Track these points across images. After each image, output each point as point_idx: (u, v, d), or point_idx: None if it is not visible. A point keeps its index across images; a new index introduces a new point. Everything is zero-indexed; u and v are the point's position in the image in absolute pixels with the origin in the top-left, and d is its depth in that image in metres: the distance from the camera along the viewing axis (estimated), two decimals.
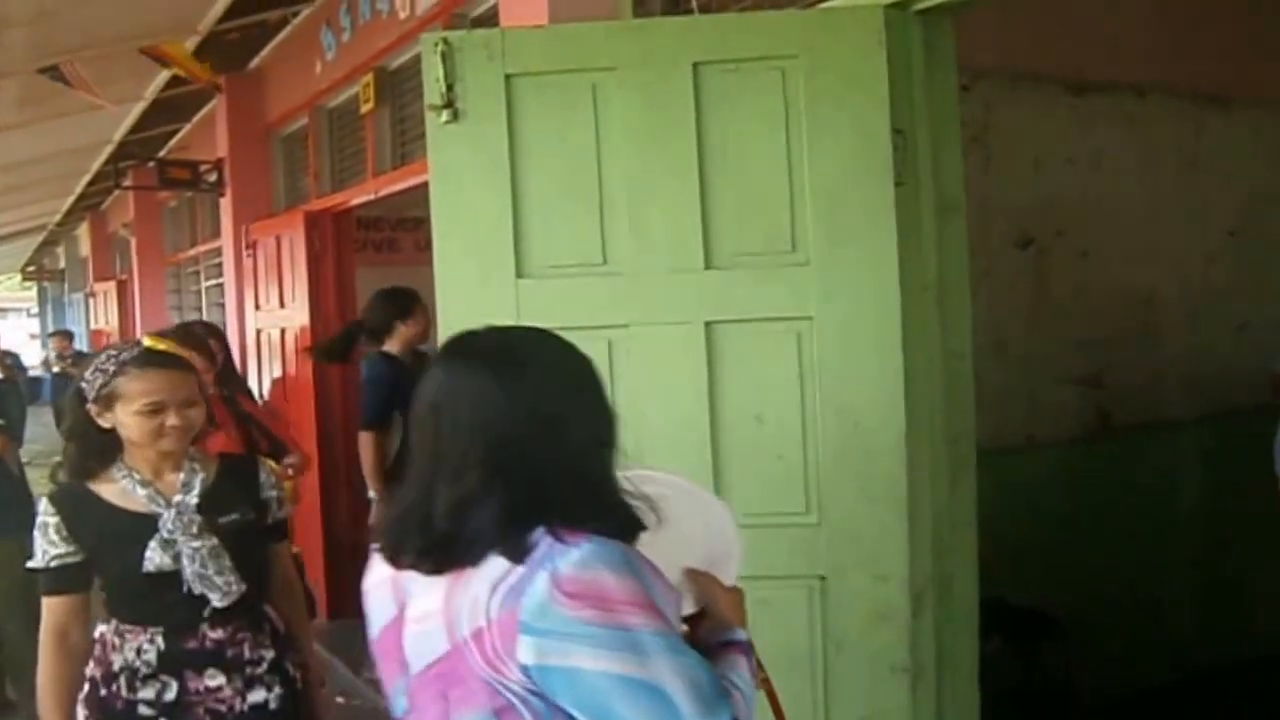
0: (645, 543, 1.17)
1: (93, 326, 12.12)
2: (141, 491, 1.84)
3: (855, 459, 1.99)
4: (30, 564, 1.85)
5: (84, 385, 1.85)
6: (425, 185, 2.21)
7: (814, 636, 2.01)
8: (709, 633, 1.26)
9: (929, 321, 2.05)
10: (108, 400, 1.82)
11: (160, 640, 1.81)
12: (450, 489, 1.14)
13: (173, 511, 1.83)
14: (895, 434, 1.98)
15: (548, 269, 2.10)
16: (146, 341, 1.92)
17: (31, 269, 17.64)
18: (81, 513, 1.83)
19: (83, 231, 12.71)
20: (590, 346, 2.04)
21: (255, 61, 5.47)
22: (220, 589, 1.83)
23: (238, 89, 5.64)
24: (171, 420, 1.81)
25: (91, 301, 12.21)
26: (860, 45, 1.99)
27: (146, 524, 1.82)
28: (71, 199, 9.88)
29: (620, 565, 1.08)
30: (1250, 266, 3.74)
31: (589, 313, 2.09)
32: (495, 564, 1.11)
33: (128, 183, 7.20)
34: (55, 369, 12.07)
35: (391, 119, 4.35)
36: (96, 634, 1.86)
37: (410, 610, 1.18)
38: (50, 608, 1.83)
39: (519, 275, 2.10)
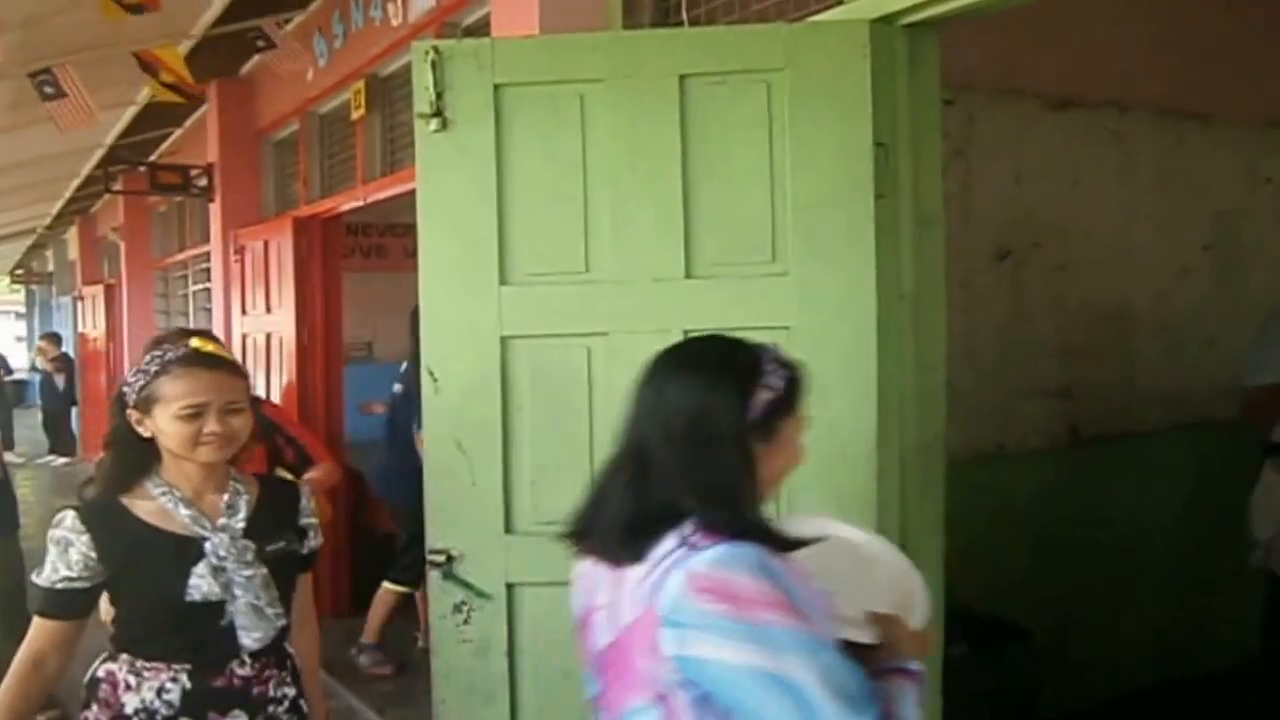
0: (842, 579, 1.28)
1: (80, 330, 12.08)
2: (185, 512, 1.67)
3: (826, 466, 2.00)
4: (36, 579, 1.67)
5: (125, 389, 1.68)
6: (414, 192, 2.23)
7: None
8: (883, 660, 1.28)
9: (903, 332, 2.09)
10: (146, 403, 1.65)
11: (186, 679, 1.64)
12: (612, 484, 1.25)
13: (224, 535, 1.67)
14: (866, 442, 2.01)
15: (531, 276, 2.13)
16: (194, 342, 1.75)
17: (19, 272, 17.57)
18: (114, 531, 1.64)
19: (72, 235, 12.67)
20: (570, 354, 2.12)
21: (247, 66, 5.50)
22: (269, 622, 1.69)
23: (229, 94, 5.66)
24: (211, 426, 1.64)
25: (79, 305, 12.17)
26: (845, 59, 2.02)
27: (190, 548, 1.65)
28: (61, 203, 9.86)
29: (753, 566, 1.14)
30: (1223, 281, 3.80)
31: (570, 320, 2.12)
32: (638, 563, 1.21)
33: (118, 187, 7.20)
34: (40, 370, 12.04)
35: (382, 126, 4.38)
36: (101, 673, 1.69)
37: (596, 597, 1.28)
38: (39, 629, 1.66)
39: (502, 282, 2.12)
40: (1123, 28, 3.38)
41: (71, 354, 12.08)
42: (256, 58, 4.62)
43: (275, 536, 1.74)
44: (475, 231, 2.13)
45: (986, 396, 3.21)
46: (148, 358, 1.70)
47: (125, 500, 1.67)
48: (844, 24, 2.07)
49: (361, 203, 4.47)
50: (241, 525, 1.70)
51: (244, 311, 5.32)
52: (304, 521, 1.83)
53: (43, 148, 6.22)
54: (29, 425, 12.87)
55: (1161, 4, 3.46)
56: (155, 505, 1.67)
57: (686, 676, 1.16)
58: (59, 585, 1.63)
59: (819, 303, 2.04)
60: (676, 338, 2.06)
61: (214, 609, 1.65)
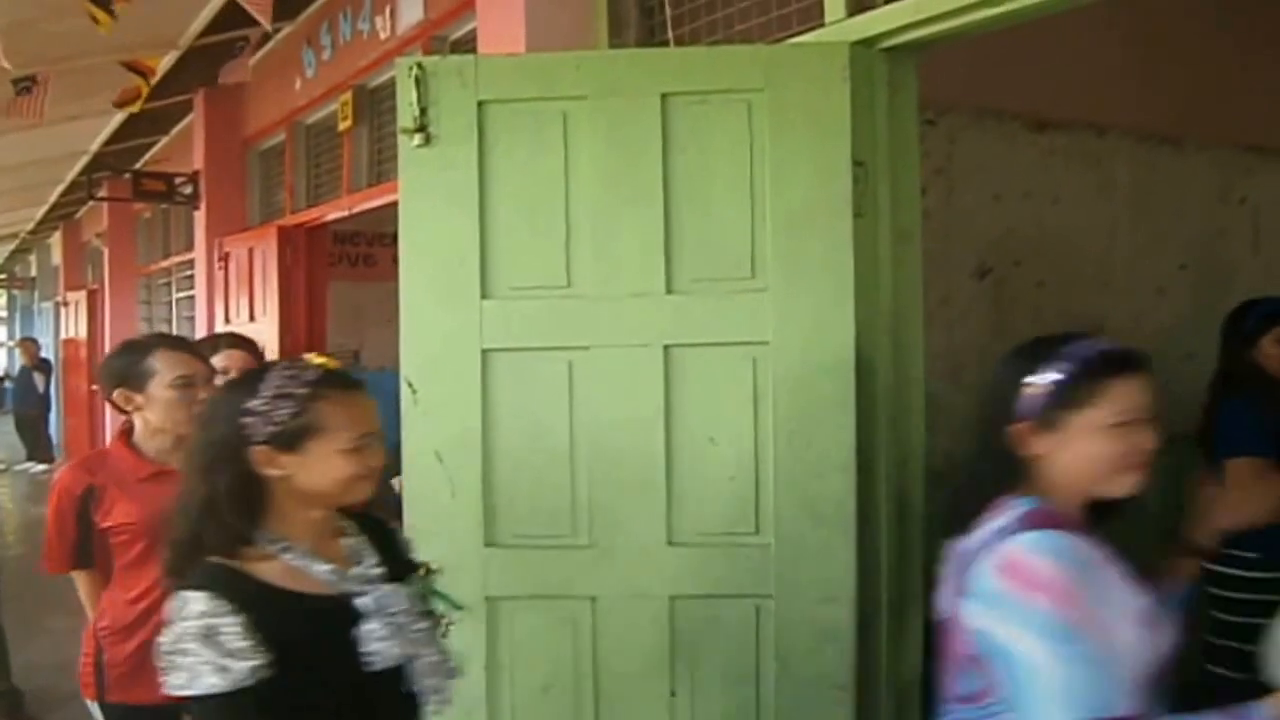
0: None
1: (63, 335, 12.00)
2: (321, 568, 1.36)
3: (806, 482, 2.03)
4: (208, 689, 1.23)
5: (249, 420, 1.33)
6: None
7: (761, 654, 2.06)
8: (1252, 697, 1.24)
9: (882, 346, 2.11)
10: (296, 437, 1.33)
11: None
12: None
13: (393, 587, 1.40)
14: (845, 457, 2.02)
15: (512, 290, 2.14)
16: (317, 359, 1.43)
17: (2, 276, 17.46)
18: (256, 606, 1.28)
19: (55, 240, 12.61)
20: (551, 367, 2.14)
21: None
22: (450, 676, 1.45)
23: (215, 102, 5.66)
24: (374, 459, 1.38)
25: (62, 310, 12.10)
26: (825, 80, 2.05)
27: (344, 610, 1.36)
28: (45, 208, 9.82)
29: (1059, 552, 1.19)
30: (1199, 299, 3.85)
31: (551, 334, 2.13)
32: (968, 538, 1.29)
33: (102, 193, 7.17)
34: (13, 379, 11.95)
35: (369, 137, 4.39)
36: None
37: (946, 569, 1.36)
38: None
39: (484, 296, 2.13)
40: (1101, 52, 3.43)
41: (52, 360, 12.01)
42: (231, 63, 4.62)
43: (411, 578, 1.49)
44: (458, 245, 2.14)
45: (968, 409, 3.24)
46: (277, 380, 1.35)
47: (238, 564, 1.34)
48: (824, 46, 2.10)
49: (347, 213, 4.48)
50: (378, 572, 1.42)
51: (227, 319, 5.31)
52: (413, 554, 1.57)
53: (27, 153, 6.20)
54: (5, 431, 12.77)
55: (1139, 29, 3.52)
56: (278, 565, 1.34)
57: (983, 650, 1.22)
58: (250, 681, 1.23)
59: (797, 318, 2.06)
60: (656, 352, 2.10)
61: (396, 676, 1.38)
